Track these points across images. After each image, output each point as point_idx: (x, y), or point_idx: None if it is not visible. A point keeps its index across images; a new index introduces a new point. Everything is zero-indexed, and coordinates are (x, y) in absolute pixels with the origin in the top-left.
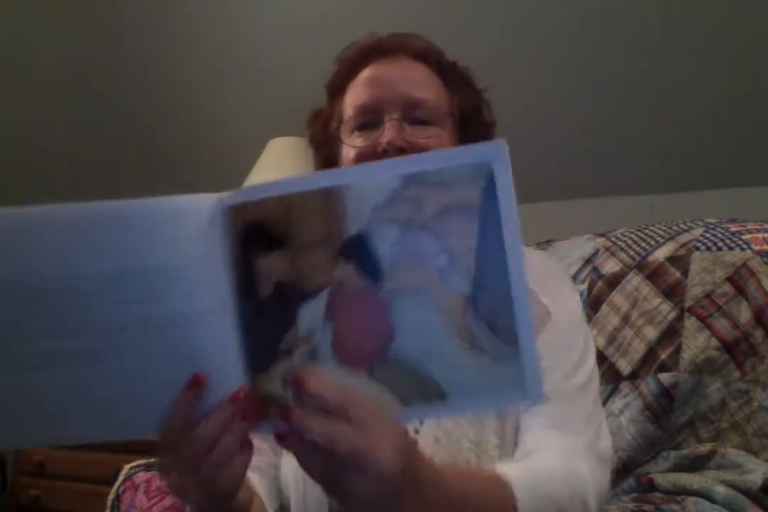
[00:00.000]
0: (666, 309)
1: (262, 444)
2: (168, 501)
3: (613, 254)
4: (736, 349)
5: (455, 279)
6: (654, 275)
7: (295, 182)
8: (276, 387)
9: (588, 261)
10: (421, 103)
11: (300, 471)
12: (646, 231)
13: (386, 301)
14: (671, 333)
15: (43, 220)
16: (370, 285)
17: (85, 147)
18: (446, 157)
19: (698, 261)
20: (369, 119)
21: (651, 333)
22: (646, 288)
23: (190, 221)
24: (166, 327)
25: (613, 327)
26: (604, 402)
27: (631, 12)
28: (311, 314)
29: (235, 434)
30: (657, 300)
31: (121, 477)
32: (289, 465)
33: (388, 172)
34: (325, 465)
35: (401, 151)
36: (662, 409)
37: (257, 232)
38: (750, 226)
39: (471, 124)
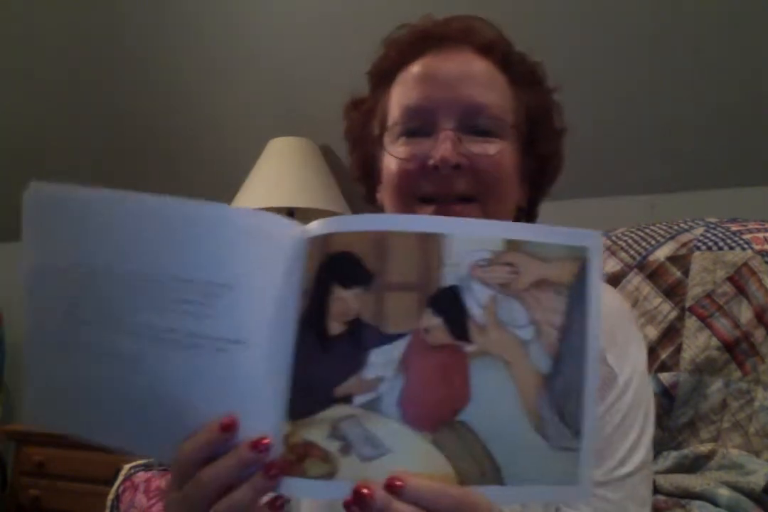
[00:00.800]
0: (666, 309)
1: None
2: None
3: (613, 253)
4: (736, 349)
5: (538, 354)
6: (654, 275)
7: (393, 220)
8: (321, 436)
9: None
10: (483, 110)
11: None
12: (647, 230)
13: (467, 362)
14: (672, 332)
15: (125, 207)
16: (454, 342)
17: (84, 146)
18: (549, 232)
19: (699, 261)
20: (418, 125)
21: (651, 332)
22: (647, 288)
23: (273, 243)
24: (213, 349)
25: None
26: None
27: (630, 12)
28: (384, 361)
29: (254, 488)
30: (657, 300)
31: (120, 477)
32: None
33: (493, 232)
34: None
35: (456, 167)
36: (662, 409)
37: (341, 265)
38: (751, 226)
39: (538, 131)
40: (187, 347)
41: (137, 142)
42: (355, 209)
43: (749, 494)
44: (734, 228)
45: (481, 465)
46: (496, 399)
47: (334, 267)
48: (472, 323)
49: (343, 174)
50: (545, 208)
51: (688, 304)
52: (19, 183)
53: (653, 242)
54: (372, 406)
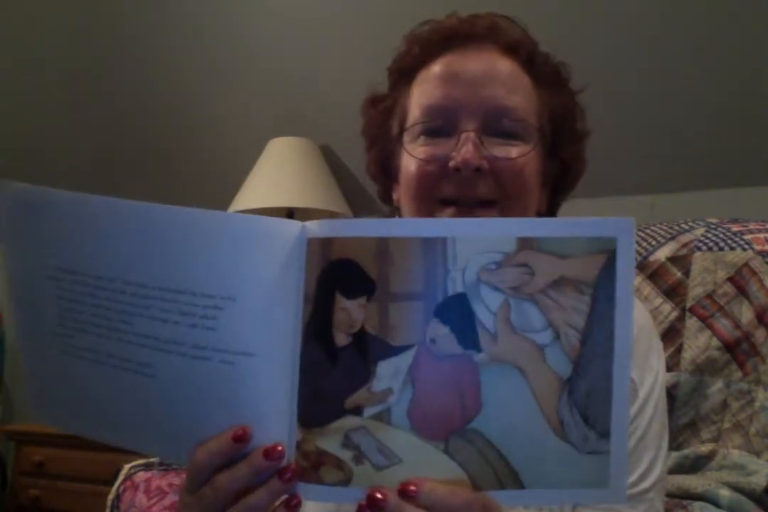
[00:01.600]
0: (667, 309)
1: None
2: (168, 500)
3: None
4: (737, 349)
5: (556, 359)
6: (655, 275)
7: (395, 225)
8: (334, 445)
9: None
10: (507, 112)
11: None
12: (647, 231)
13: (477, 371)
14: (672, 333)
15: (117, 214)
16: (463, 351)
17: (84, 147)
18: (569, 225)
19: (699, 261)
20: (439, 124)
21: None
22: (648, 288)
23: (272, 248)
24: (220, 361)
25: None
26: None
27: (631, 12)
28: (391, 373)
29: (269, 492)
30: (658, 300)
31: (121, 477)
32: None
33: (504, 232)
34: None
35: (477, 170)
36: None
37: (342, 273)
38: (751, 226)
39: (561, 134)
40: (194, 358)
41: (137, 142)
42: (355, 209)
43: (750, 494)
44: (735, 228)
45: (496, 471)
46: (509, 406)
47: (336, 276)
48: (482, 331)
49: (343, 174)
50: None
51: (688, 305)
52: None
53: (654, 242)
54: (382, 418)
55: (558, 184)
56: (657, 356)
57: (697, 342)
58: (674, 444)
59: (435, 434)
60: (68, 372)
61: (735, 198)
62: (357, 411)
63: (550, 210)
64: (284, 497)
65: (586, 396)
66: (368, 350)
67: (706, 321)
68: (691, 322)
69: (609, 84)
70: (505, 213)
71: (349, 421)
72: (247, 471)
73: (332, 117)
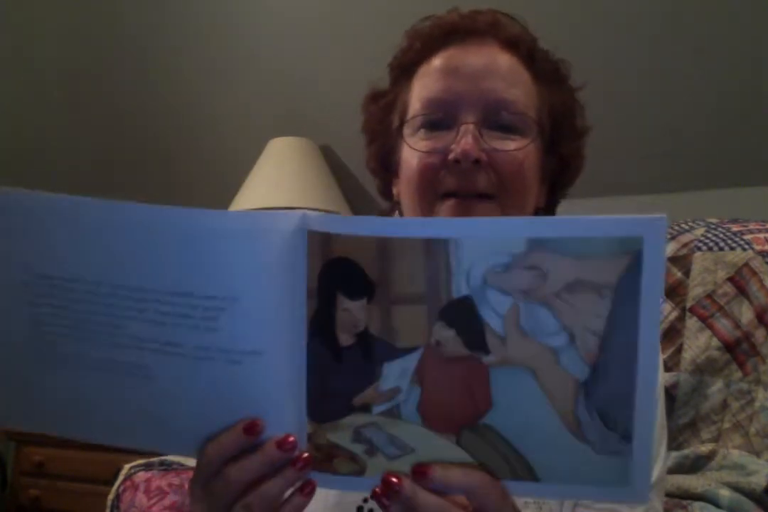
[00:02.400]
0: (667, 309)
1: None
2: (168, 500)
3: None
4: (737, 349)
5: (572, 362)
6: None
7: (396, 225)
8: (345, 440)
9: None
10: (506, 105)
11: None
12: None
13: (486, 372)
14: (672, 333)
15: (104, 217)
16: (470, 354)
17: (84, 147)
18: (588, 224)
19: (700, 261)
20: (439, 117)
21: None
22: None
23: (273, 243)
24: (226, 361)
25: None
26: None
27: (631, 12)
28: (398, 373)
29: (283, 481)
30: None
31: (121, 477)
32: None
33: (513, 232)
34: None
35: (476, 163)
36: (663, 409)
37: (341, 273)
38: (752, 226)
39: (560, 130)
40: (196, 359)
41: (137, 142)
42: (355, 209)
43: (750, 494)
44: (735, 228)
45: (509, 463)
46: (521, 406)
47: (336, 275)
48: (490, 334)
49: (343, 174)
50: None
51: (688, 305)
52: (19, 183)
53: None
54: (391, 413)
55: (557, 180)
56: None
57: (697, 342)
58: (674, 444)
59: (446, 427)
60: (50, 379)
61: (735, 198)
62: (366, 408)
63: (548, 206)
64: (298, 484)
65: (606, 399)
66: (373, 351)
67: (706, 321)
68: (691, 322)
69: (609, 84)
70: (504, 207)
71: (359, 418)
72: (259, 462)
73: (332, 117)
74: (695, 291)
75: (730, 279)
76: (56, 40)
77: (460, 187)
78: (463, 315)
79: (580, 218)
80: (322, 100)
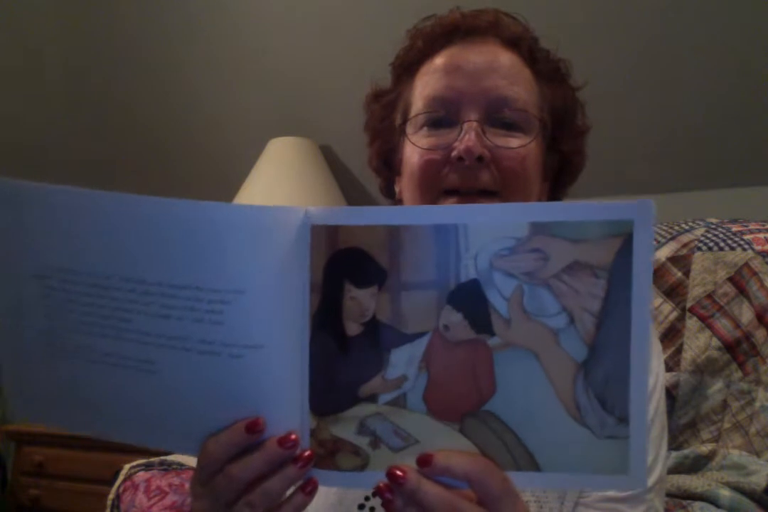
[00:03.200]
0: (667, 310)
1: None
2: (168, 500)
3: None
4: (737, 349)
5: (571, 342)
6: (655, 275)
7: (405, 213)
8: (349, 433)
9: None
10: (508, 102)
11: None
12: None
13: (491, 355)
14: (672, 333)
15: (110, 210)
16: (477, 337)
17: (84, 146)
18: (583, 209)
19: (700, 262)
20: (442, 115)
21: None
22: None
23: (278, 238)
24: (229, 355)
25: None
26: None
27: (631, 12)
28: (405, 360)
29: (285, 478)
30: (658, 301)
31: (121, 477)
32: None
33: (516, 217)
34: None
35: (479, 160)
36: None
37: (351, 262)
38: (752, 226)
39: (561, 128)
40: (201, 353)
41: (137, 142)
42: None
43: (750, 494)
44: (735, 228)
45: (511, 452)
46: (524, 390)
47: (344, 265)
48: (495, 316)
49: (343, 174)
50: None
51: (688, 305)
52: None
53: (654, 242)
54: (397, 403)
55: (558, 178)
56: (656, 358)
57: (697, 342)
58: (674, 444)
59: (449, 415)
60: (59, 371)
61: (735, 198)
62: (372, 398)
63: None
64: (300, 483)
65: (603, 380)
66: (381, 339)
67: (706, 321)
68: (692, 322)
69: (609, 84)
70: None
71: (364, 408)
72: (261, 460)
73: (332, 117)
74: (695, 291)
75: (731, 280)
76: (56, 40)
77: (463, 183)
78: (470, 299)
79: (576, 204)
80: (322, 100)
